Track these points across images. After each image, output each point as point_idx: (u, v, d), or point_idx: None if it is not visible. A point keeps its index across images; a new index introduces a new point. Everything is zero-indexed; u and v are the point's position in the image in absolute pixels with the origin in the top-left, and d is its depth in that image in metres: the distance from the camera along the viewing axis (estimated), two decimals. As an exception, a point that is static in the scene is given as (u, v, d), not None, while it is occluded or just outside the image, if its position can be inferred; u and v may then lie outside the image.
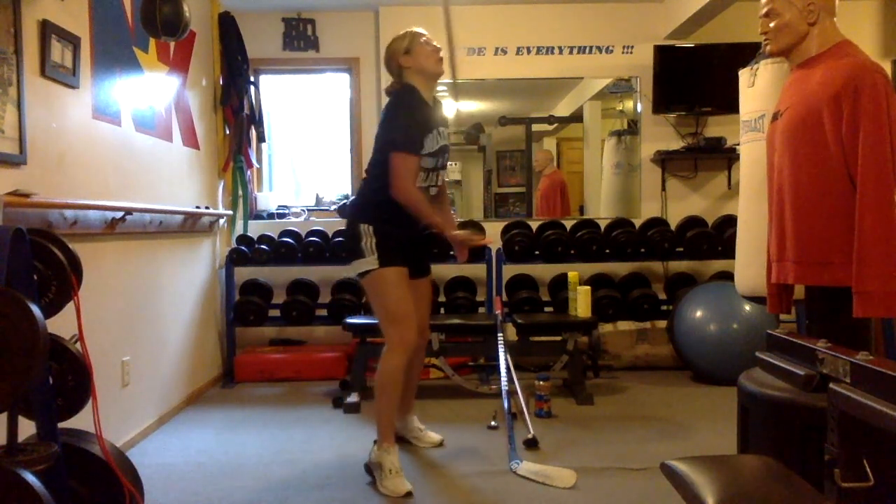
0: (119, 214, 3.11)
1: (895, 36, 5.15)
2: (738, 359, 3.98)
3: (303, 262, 4.70)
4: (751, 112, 3.10)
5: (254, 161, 5.07)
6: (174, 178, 3.98)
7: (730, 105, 4.22)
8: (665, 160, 5.15)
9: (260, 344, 5.05)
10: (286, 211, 5.25)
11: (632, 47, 5.17)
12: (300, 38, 5.18)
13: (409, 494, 2.63)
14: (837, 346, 1.50)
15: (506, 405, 3.35)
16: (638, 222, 4.91)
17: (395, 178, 2.72)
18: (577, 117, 5.54)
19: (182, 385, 4.02)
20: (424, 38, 2.80)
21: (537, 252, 4.71)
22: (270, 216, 5.20)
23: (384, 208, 2.80)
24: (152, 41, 3.64)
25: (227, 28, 4.77)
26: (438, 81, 2.88)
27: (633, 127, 5.32)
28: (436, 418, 3.57)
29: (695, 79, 5.00)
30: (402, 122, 2.75)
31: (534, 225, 4.91)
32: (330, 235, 4.81)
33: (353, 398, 3.91)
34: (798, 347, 1.63)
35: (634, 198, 5.28)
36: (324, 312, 4.69)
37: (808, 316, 2.30)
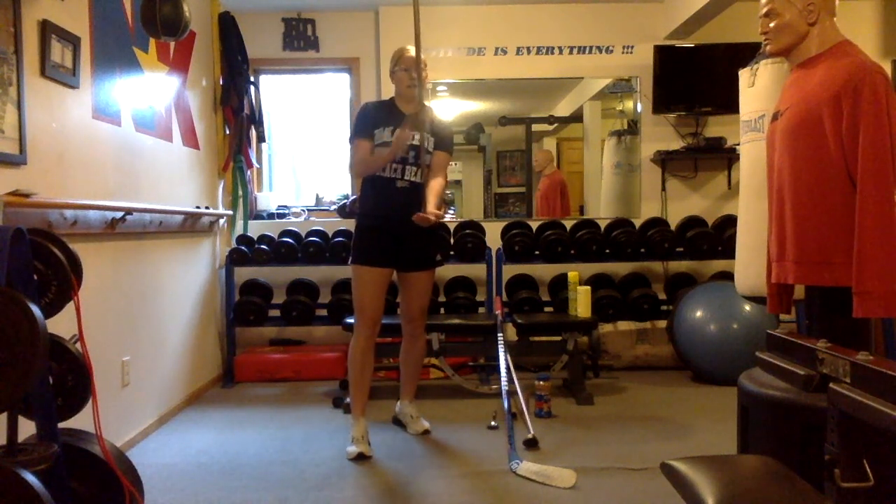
0: (119, 214, 3.11)
1: (895, 36, 5.15)
2: (738, 359, 3.97)
3: (303, 262, 4.70)
4: (751, 112, 3.10)
5: (254, 161, 5.07)
6: (174, 178, 3.98)
7: (730, 105, 4.22)
8: (665, 160, 5.15)
9: (260, 344, 5.05)
10: (286, 211, 5.25)
11: (632, 47, 5.17)
12: (300, 38, 5.18)
13: (359, 456, 3.07)
14: (837, 346, 1.50)
15: (506, 405, 3.35)
16: (638, 222, 4.91)
17: (350, 163, 3.30)
18: (577, 117, 5.54)
19: (182, 385, 4.02)
20: (404, 66, 3.23)
21: (537, 252, 4.71)
22: (270, 216, 5.20)
23: (360, 203, 3.31)
24: (152, 41, 3.64)
25: (227, 28, 4.77)
26: (412, 98, 3.25)
27: (633, 127, 5.31)
28: (436, 418, 3.57)
29: (695, 79, 4.99)
30: (356, 118, 3.33)
31: (534, 225, 4.91)
32: (330, 235, 4.81)
33: (353, 398, 3.91)
34: (798, 347, 1.63)
35: (634, 198, 5.28)
36: (324, 312, 4.69)
37: (808, 316, 2.30)
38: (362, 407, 3.24)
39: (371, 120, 3.22)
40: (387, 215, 3.18)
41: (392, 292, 3.98)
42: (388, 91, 3.63)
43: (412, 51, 3.18)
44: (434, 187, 3.17)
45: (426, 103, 3.32)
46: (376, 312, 3.22)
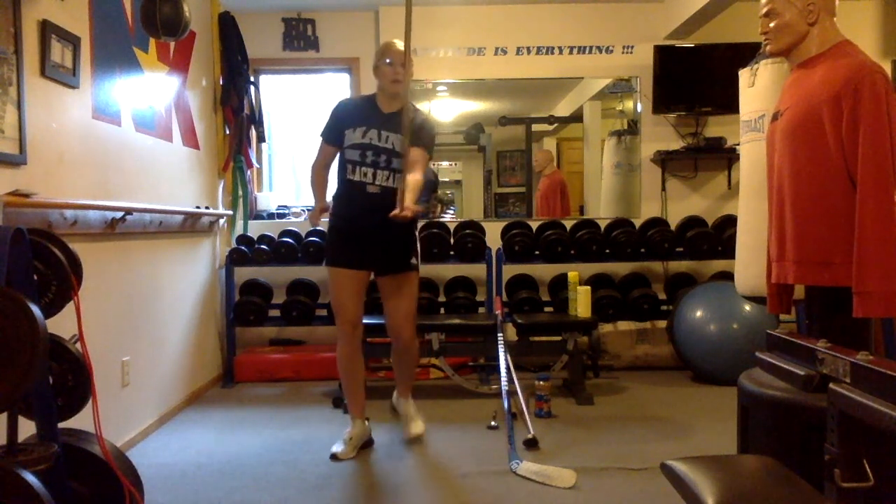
0: (119, 214, 3.11)
1: (895, 36, 5.15)
2: (738, 359, 3.97)
3: (303, 262, 4.70)
4: (751, 112, 3.10)
5: (254, 161, 5.07)
6: (174, 178, 3.98)
7: (730, 105, 4.22)
8: (665, 160, 5.15)
9: (260, 344, 5.05)
10: (286, 211, 5.25)
11: (632, 47, 5.17)
12: (300, 38, 5.18)
13: (334, 457, 3.08)
14: (837, 346, 1.50)
15: (506, 405, 3.35)
16: (638, 222, 4.91)
17: (313, 160, 3.23)
18: (577, 117, 5.54)
19: (182, 385, 4.02)
20: (388, 59, 3.06)
21: (537, 252, 4.72)
22: (270, 216, 5.20)
23: (334, 203, 3.20)
24: (152, 41, 3.64)
25: (227, 28, 4.77)
26: (396, 95, 3.10)
27: (633, 127, 5.31)
28: (436, 418, 3.57)
29: (695, 79, 4.99)
30: (329, 114, 3.20)
31: (534, 225, 4.91)
32: (330, 235, 4.81)
33: (353, 398, 3.91)
34: (798, 347, 1.63)
35: (634, 198, 5.28)
36: (324, 312, 4.68)
37: (808, 316, 2.30)
38: (359, 409, 3.22)
39: (342, 121, 3.11)
40: (357, 218, 3.09)
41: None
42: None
43: (399, 44, 3.04)
44: (410, 183, 2.94)
45: (415, 104, 3.17)
46: (355, 315, 3.14)
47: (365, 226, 3.08)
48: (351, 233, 3.12)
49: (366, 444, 3.24)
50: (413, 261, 3.20)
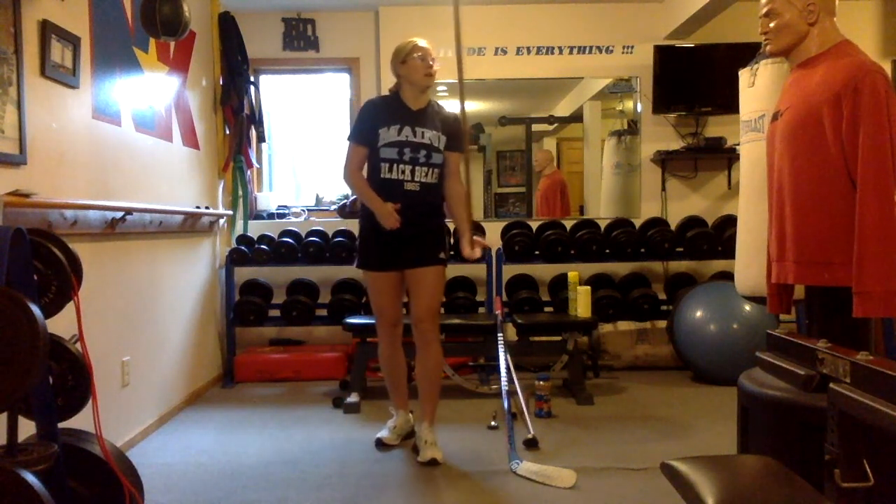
0: (119, 214, 3.11)
1: (895, 36, 5.15)
2: (738, 359, 3.97)
3: (303, 262, 4.70)
4: (751, 112, 3.10)
5: (254, 161, 5.07)
6: (174, 178, 3.98)
7: (730, 105, 4.23)
8: (665, 160, 5.15)
9: (260, 344, 5.05)
10: (286, 211, 5.25)
11: (632, 47, 5.17)
12: (300, 38, 5.18)
13: (379, 442, 3.23)
14: (837, 346, 1.50)
15: (506, 405, 3.35)
16: (638, 222, 4.91)
17: (344, 165, 3.15)
18: (577, 117, 5.54)
19: (182, 385, 4.02)
20: (420, 53, 3.05)
21: (537, 252, 4.72)
22: (270, 216, 5.20)
23: (363, 205, 3.17)
24: (152, 41, 3.64)
25: (227, 28, 4.77)
26: (430, 89, 3.14)
27: (633, 127, 5.31)
28: (436, 418, 3.56)
29: (695, 79, 5.00)
30: (357, 116, 3.19)
31: (534, 225, 4.91)
32: (330, 235, 4.81)
33: (353, 398, 3.91)
34: (798, 347, 1.63)
35: (634, 198, 5.28)
36: (324, 312, 4.69)
37: (808, 316, 2.30)
38: (402, 401, 3.32)
39: (374, 121, 3.05)
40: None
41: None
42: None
43: (422, 42, 3.06)
44: (462, 213, 3.15)
45: (434, 100, 3.18)
46: (394, 315, 3.19)
47: (401, 225, 3.02)
48: (385, 234, 3.03)
49: (408, 435, 3.29)
50: (441, 255, 3.15)
